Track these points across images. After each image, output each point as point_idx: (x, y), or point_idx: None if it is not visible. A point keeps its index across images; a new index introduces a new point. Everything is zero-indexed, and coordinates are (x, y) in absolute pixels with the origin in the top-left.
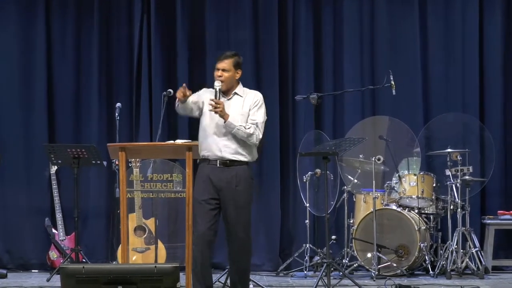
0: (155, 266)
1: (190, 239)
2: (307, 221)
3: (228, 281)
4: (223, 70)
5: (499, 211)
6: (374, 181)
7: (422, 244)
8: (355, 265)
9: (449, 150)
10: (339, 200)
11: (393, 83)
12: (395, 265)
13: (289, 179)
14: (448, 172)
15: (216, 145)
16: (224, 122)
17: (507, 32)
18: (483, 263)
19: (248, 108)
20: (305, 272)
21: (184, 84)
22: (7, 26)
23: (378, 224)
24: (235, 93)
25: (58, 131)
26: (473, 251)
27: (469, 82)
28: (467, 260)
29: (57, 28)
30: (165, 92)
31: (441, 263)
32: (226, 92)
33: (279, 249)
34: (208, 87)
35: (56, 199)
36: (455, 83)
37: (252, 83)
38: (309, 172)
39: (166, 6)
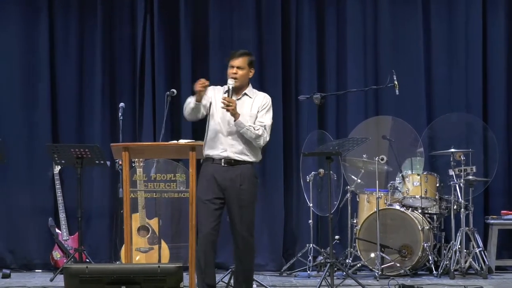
0: (159, 266)
1: (193, 239)
2: (311, 221)
3: (232, 280)
4: (238, 67)
5: (502, 211)
6: (377, 181)
7: (425, 244)
8: (358, 265)
9: (452, 150)
10: (342, 200)
11: (396, 83)
12: (398, 265)
13: (292, 179)
14: (451, 172)
15: (222, 144)
16: (235, 120)
17: (510, 33)
18: (487, 263)
19: (256, 110)
20: (309, 272)
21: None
22: (10, 25)
23: (382, 224)
24: (245, 94)
25: (61, 131)
26: (477, 251)
27: (472, 84)
28: (471, 260)
29: (60, 27)
30: (168, 92)
31: (445, 263)
32: (237, 91)
33: (283, 249)
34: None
35: (60, 199)
36: (458, 85)
37: (255, 83)
38: (313, 172)
39: (169, 5)
